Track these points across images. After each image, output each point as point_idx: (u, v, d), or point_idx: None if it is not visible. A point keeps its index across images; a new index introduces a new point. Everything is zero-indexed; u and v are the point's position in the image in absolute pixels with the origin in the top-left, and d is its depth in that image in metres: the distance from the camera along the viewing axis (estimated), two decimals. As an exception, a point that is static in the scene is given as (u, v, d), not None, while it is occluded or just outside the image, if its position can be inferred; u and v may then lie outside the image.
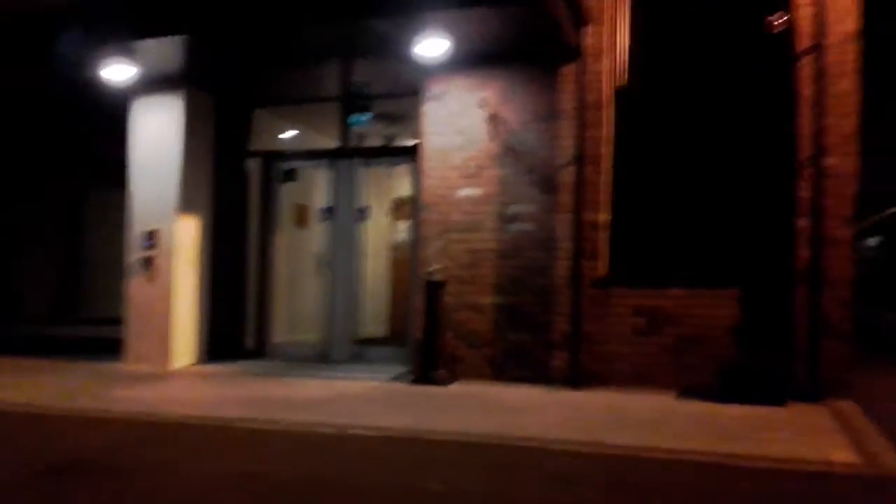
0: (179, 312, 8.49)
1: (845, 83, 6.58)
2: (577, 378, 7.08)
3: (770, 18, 6.72)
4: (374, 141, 9.70)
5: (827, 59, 6.62)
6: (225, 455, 4.83)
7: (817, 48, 6.65)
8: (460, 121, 7.74)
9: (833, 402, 6.26)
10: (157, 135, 8.54)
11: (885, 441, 5.01)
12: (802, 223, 6.60)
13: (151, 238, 8.45)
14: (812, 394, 6.38)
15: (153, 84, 8.39)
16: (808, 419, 5.72)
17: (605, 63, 7.30)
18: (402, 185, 11.08)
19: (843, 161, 6.53)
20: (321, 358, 8.73)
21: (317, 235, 9.54)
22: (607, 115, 7.30)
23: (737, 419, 5.70)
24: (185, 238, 8.57)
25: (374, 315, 10.03)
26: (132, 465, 4.59)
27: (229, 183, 9.13)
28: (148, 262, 8.46)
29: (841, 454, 4.67)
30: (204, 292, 8.84)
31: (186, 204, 8.55)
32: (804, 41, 6.71)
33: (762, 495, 4.01)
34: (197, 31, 7.25)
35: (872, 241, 16.69)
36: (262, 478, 4.30)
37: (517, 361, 7.37)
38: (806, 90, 6.68)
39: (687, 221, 7.11)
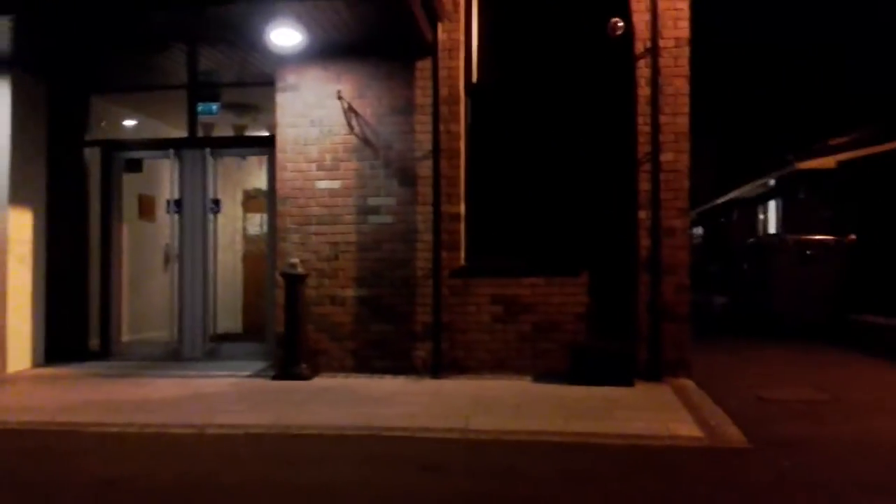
0: (13, 311, 7.85)
1: (678, 84, 7.14)
2: (439, 367, 7.25)
3: (610, 23, 7.14)
4: (224, 131, 9.40)
5: (661, 62, 7.14)
6: (78, 462, 4.57)
7: (652, 51, 7.15)
8: (316, 112, 7.66)
9: (674, 381, 6.80)
10: (-19, 121, 7.83)
11: (723, 414, 5.54)
12: (642, 214, 7.10)
13: (-23, 234, 7.76)
14: (655, 373, 6.91)
15: (-25, 66, 7.69)
16: (653, 397, 6.20)
17: (459, 59, 7.48)
18: (254, 176, 10.81)
19: (677, 157, 7.09)
20: (173, 356, 8.37)
21: (164, 229, 9.12)
22: (462, 111, 7.49)
23: (589, 399, 6.07)
24: (17, 233, 7.92)
25: (228, 310, 9.73)
26: (-26, 480, 4.26)
27: (66, 174, 8.53)
28: (-26, 260, 7.76)
29: (686, 429, 5.11)
30: (40, 289, 8.22)
31: (16, 197, 7.89)
32: (640, 45, 7.20)
33: (618, 470, 4.33)
34: (24, 9, 6.67)
35: (696, 231, 18.13)
36: (124, 484, 4.12)
37: (380, 353, 7.43)
38: (643, 90, 7.18)
39: (539, 213, 7.45)
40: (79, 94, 8.67)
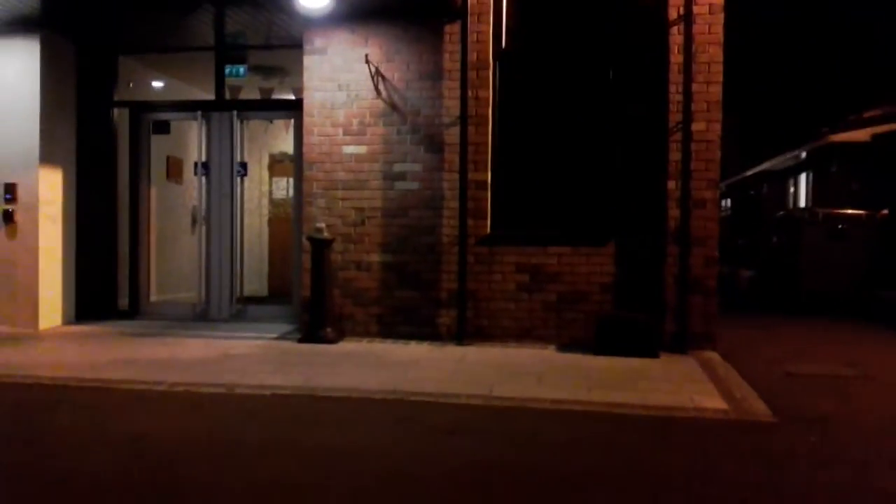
0: (45, 270, 7.98)
1: (712, 51, 6.99)
2: (463, 334, 7.27)
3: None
4: (251, 94, 9.40)
5: (695, 29, 6.99)
6: (109, 418, 4.66)
7: (686, 18, 7.00)
8: (343, 76, 7.61)
9: (700, 354, 6.77)
10: (12, 82, 7.90)
11: (748, 388, 5.50)
12: (672, 185, 7.01)
13: (10, 192, 7.85)
14: (681, 346, 6.87)
15: (7, 26, 7.73)
16: (678, 369, 6.17)
17: (489, 24, 7.37)
18: (279, 140, 10.83)
19: (709, 126, 6.97)
20: (201, 317, 8.49)
21: (192, 191, 9.18)
22: (491, 77, 7.40)
23: (613, 370, 6.06)
24: (48, 192, 8.02)
25: (253, 273, 9.84)
26: (8, 430, 4.36)
27: (95, 135, 8.60)
28: (7, 217, 7.86)
29: (711, 401, 5.09)
30: (70, 249, 8.35)
31: (48, 156, 7.98)
32: (674, 11, 7.04)
33: (642, 441, 4.33)
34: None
35: (724, 203, 17.89)
36: (151, 439, 4.20)
37: (404, 319, 7.46)
38: (675, 58, 7.04)
39: (566, 182, 7.38)
40: (107, 55, 8.69)
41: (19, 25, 7.74)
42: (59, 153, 8.16)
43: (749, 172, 18.70)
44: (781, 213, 14.29)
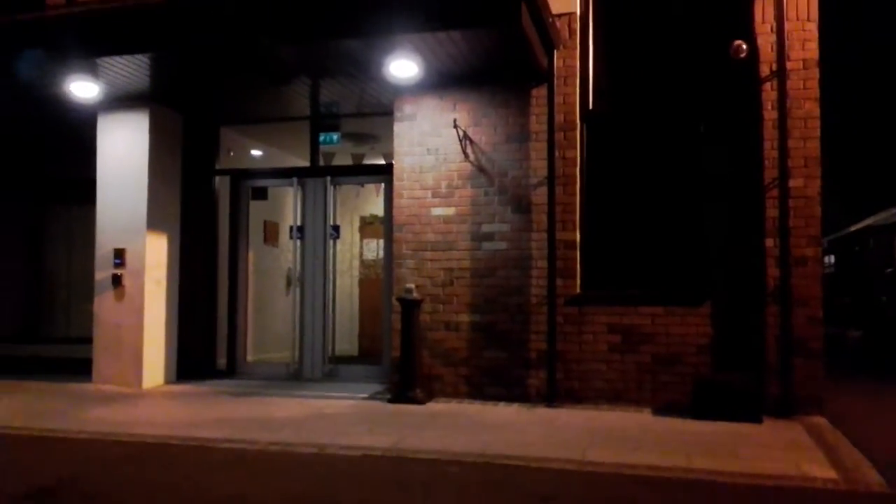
0: (149, 331, 8.35)
1: (808, 107, 6.83)
2: (553, 396, 7.15)
3: (733, 45, 6.93)
4: (343, 159, 9.71)
5: (789, 84, 6.86)
6: (208, 477, 4.77)
7: (779, 73, 6.88)
8: (432, 140, 7.79)
9: (806, 419, 6.42)
10: (124, 152, 8.44)
11: (860, 456, 5.17)
12: (770, 242, 6.79)
13: (119, 256, 8.31)
14: (785, 410, 6.55)
15: (119, 101, 8.31)
16: (783, 435, 5.87)
17: (575, 86, 7.44)
18: (370, 203, 11.10)
19: (807, 182, 6.75)
20: (294, 376, 8.66)
21: (287, 253, 9.49)
22: (578, 137, 7.43)
23: (714, 435, 5.82)
24: (154, 256, 8.45)
25: (344, 333, 9.99)
26: (114, 488, 4.52)
27: (198, 201, 9.05)
28: (116, 281, 8.31)
29: (819, 470, 4.80)
30: (173, 311, 8.72)
31: (155, 221, 8.44)
32: (766, 67, 6.94)
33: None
34: (161, 48, 7.17)
35: (827, 260, 17.19)
36: (250, 500, 4.26)
37: (493, 379, 7.41)
38: (769, 114, 6.91)
39: (658, 240, 7.26)
40: (210, 126, 9.18)
41: (131, 100, 8.31)
42: (164, 219, 8.62)
43: (853, 228, 17.96)
44: (890, 269, 13.60)
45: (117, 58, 7.17)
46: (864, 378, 9.81)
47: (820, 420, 6.38)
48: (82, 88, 7.69)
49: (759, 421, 6.25)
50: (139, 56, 7.17)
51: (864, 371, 10.68)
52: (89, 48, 7.13)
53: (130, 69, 7.46)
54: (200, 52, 7.28)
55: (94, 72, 7.47)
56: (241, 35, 6.96)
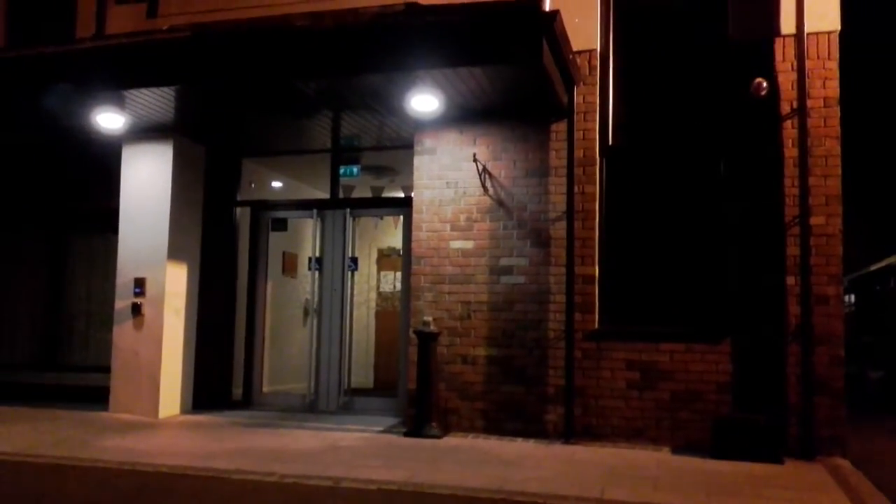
0: (167, 360, 8.36)
1: (829, 145, 6.82)
2: (571, 432, 7.07)
3: (753, 84, 6.95)
4: (362, 192, 9.79)
5: (810, 122, 6.86)
6: (223, 510, 4.76)
7: (800, 111, 6.89)
8: (451, 174, 7.83)
9: (828, 460, 6.31)
10: (147, 182, 8.55)
11: (884, 498, 5.07)
12: (791, 280, 6.75)
13: (140, 286, 8.38)
14: (806, 451, 6.44)
15: (144, 132, 8.43)
16: (805, 476, 5.76)
17: (595, 121, 7.48)
18: (388, 235, 11.16)
19: (828, 221, 6.72)
20: (310, 408, 8.63)
21: (305, 284, 9.52)
22: (597, 172, 7.45)
23: (734, 476, 5.72)
24: (174, 286, 8.50)
25: (360, 365, 9.98)
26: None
27: (218, 231, 9.13)
28: (136, 310, 8.36)
29: (843, 512, 4.71)
30: (191, 340, 8.75)
31: (176, 251, 8.51)
32: (787, 105, 6.95)
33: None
34: (185, 81, 7.30)
35: (848, 299, 17.01)
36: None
37: (510, 414, 7.35)
38: (790, 152, 6.90)
39: (677, 277, 7.23)
40: (232, 158, 9.30)
41: (155, 131, 8.44)
42: (185, 249, 8.69)
43: (873, 267, 17.79)
44: (911, 309, 13.43)
45: (144, 90, 7.31)
46: (886, 419, 9.63)
47: (843, 462, 6.26)
48: (108, 120, 7.83)
49: (780, 462, 6.15)
50: (165, 89, 7.31)
51: (886, 411, 10.48)
52: (117, 81, 7.27)
53: (156, 102, 7.60)
54: (224, 87, 7.41)
55: (120, 104, 7.61)
56: (265, 71, 7.08)
